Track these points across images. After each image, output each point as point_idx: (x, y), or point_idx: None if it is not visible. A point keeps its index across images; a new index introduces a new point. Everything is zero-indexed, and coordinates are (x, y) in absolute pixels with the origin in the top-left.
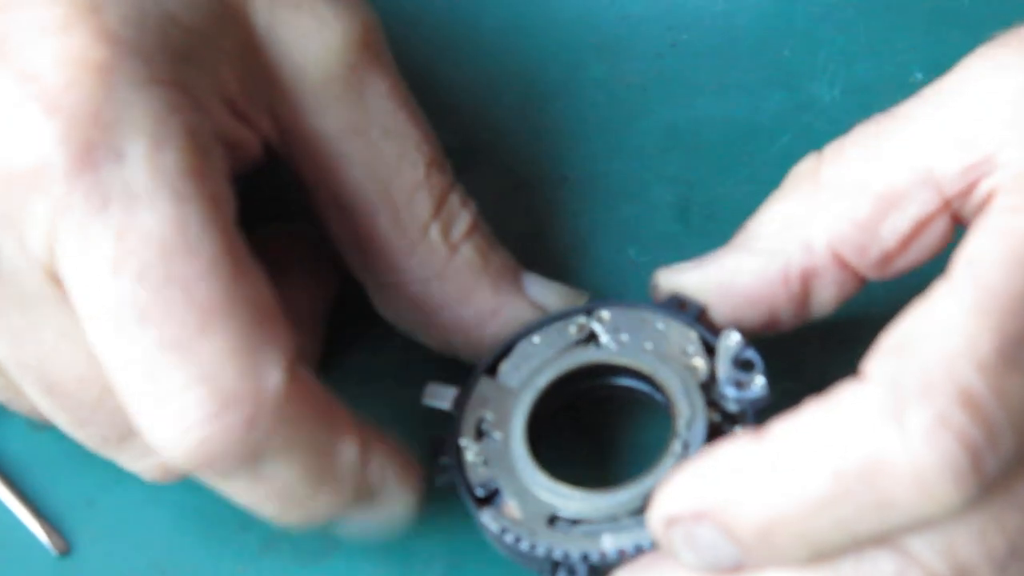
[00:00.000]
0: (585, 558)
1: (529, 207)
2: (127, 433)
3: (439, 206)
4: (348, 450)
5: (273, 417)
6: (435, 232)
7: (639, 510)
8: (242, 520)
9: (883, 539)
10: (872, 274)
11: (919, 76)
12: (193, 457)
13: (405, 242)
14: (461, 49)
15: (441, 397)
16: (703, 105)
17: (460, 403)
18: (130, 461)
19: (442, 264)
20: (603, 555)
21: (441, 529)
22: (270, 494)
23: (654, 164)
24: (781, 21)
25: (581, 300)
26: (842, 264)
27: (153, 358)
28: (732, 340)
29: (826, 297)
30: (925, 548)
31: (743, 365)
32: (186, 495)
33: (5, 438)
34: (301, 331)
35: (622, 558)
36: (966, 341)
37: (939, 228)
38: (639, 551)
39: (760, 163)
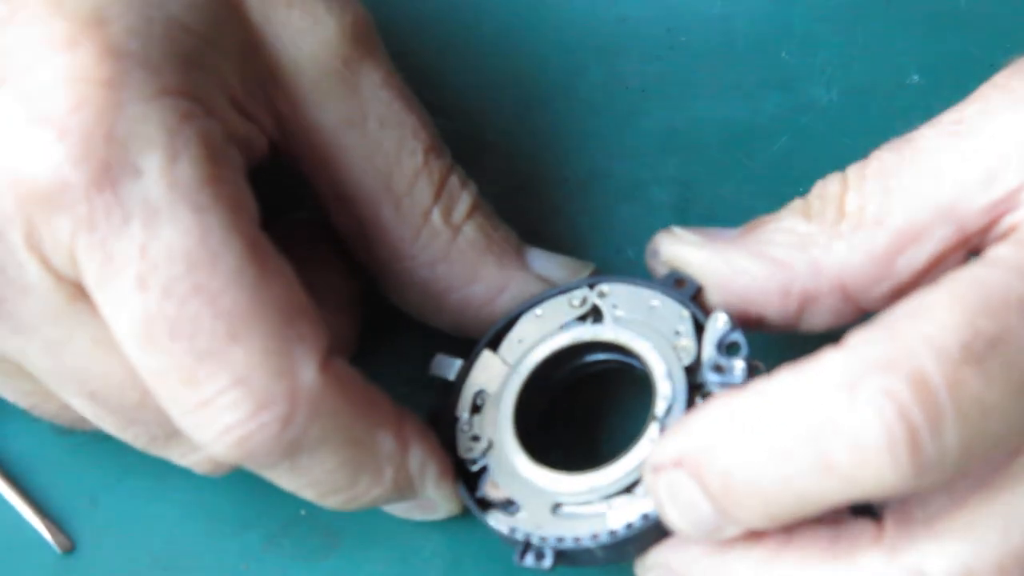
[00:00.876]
0: (560, 540)
1: (529, 208)
2: (174, 431)
3: (439, 190)
4: (386, 442)
5: (308, 413)
6: (437, 216)
7: (611, 494)
8: (245, 518)
9: (832, 507)
10: (877, 306)
11: (916, 78)
12: (234, 455)
13: (408, 229)
14: (462, 51)
15: (447, 368)
16: (701, 107)
17: (462, 375)
18: (180, 457)
19: (446, 247)
20: (576, 539)
21: (441, 527)
22: (310, 482)
23: (653, 165)
24: (779, 23)
25: (585, 271)
26: (845, 295)
27: (187, 367)
28: (720, 322)
29: (818, 321)
30: (942, 571)
31: (728, 348)
32: (189, 493)
33: (8, 437)
34: (338, 315)
35: (592, 543)
36: (936, 328)
37: (954, 263)
38: (612, 536)
39: (758, 164)
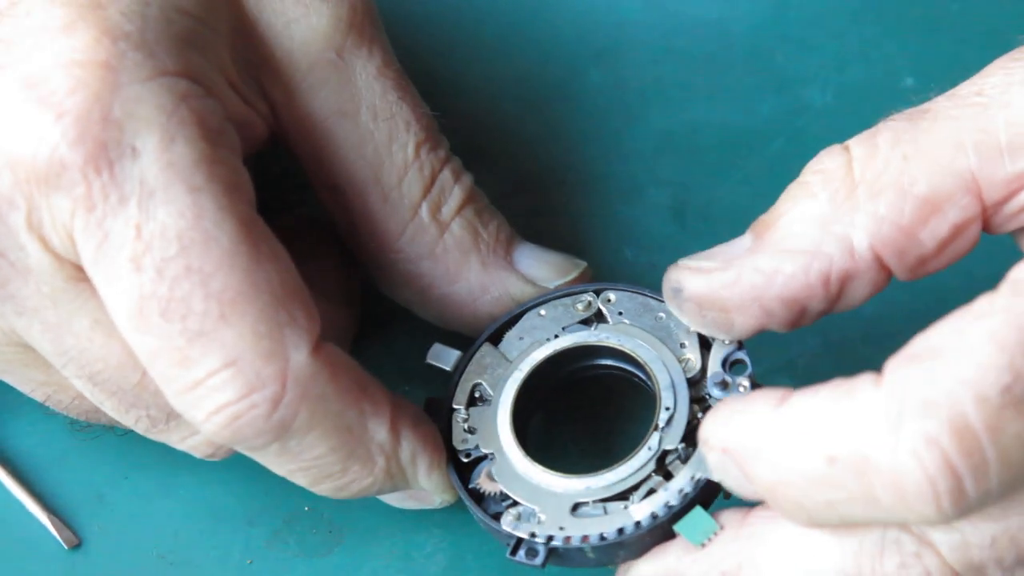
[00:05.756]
0: (550, 539)
1: (528, 208)
2: (173, 413)
3: (429, 185)
4: (378, 431)
5: (297, 396)
6: (425, 212)
7: (607, 499)
8: (249, 514)
9: (875, 525)
10: (904, 276)
11: (909, 81)
12: (224, 435)
13: (396, 223)
14: (463, 54)
15: (444, 358)
16: (698, 110)
17: (460, 367)
18: (180, 440)
19: (432, 244)
20: (567, 539)
21: (443, 524)
22: (301, 468)
23: (650, 167)
24: (774, 28)
25: (576, 270)
26: (881, 265)
27: (179, 348)
28: (727, 340)
29: (859, 296)
30: (943, 542)
31: (733, 365)
32: (194, 489)
33: (16, 435)
34: (336, 308)
35: (583, 544)
36: (975, 371)
37: (972, 233)
38: (602, 539)
39: (754, 166)
